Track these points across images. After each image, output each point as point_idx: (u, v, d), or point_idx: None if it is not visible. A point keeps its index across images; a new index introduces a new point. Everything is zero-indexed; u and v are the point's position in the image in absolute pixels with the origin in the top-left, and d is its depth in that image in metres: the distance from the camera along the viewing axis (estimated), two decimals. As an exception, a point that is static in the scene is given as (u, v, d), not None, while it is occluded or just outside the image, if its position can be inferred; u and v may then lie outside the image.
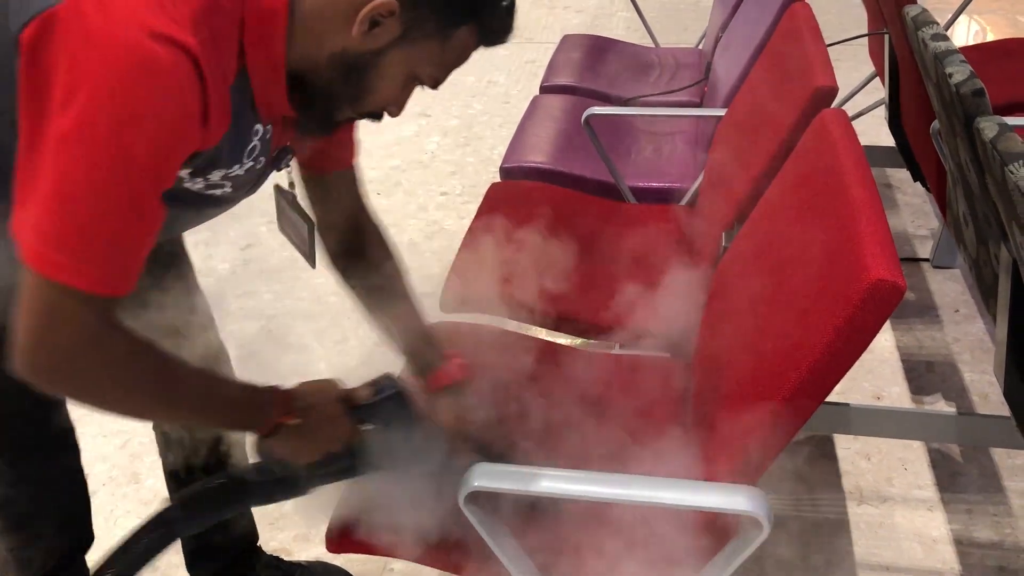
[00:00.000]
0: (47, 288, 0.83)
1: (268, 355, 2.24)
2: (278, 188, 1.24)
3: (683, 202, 2.09)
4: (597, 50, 2.92)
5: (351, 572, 1.63)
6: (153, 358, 0.93)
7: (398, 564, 1.64)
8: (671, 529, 1.10)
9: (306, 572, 1.62)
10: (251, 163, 1.01)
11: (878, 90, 2.57)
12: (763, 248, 1.28)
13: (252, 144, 0.99)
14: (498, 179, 2.18)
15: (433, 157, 3.24)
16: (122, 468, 1.94)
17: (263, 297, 2.45)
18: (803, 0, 1.88)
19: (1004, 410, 1.51)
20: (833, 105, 3.13)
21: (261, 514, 1.62)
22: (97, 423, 1.99)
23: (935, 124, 1.81)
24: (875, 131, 3.24)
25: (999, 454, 1.87)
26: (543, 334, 1.87)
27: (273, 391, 1.04)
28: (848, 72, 3.78)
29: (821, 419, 1.71)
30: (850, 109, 3.13)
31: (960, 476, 1.83)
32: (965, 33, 4.48)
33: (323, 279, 2.56)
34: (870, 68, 2.78)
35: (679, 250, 1.78)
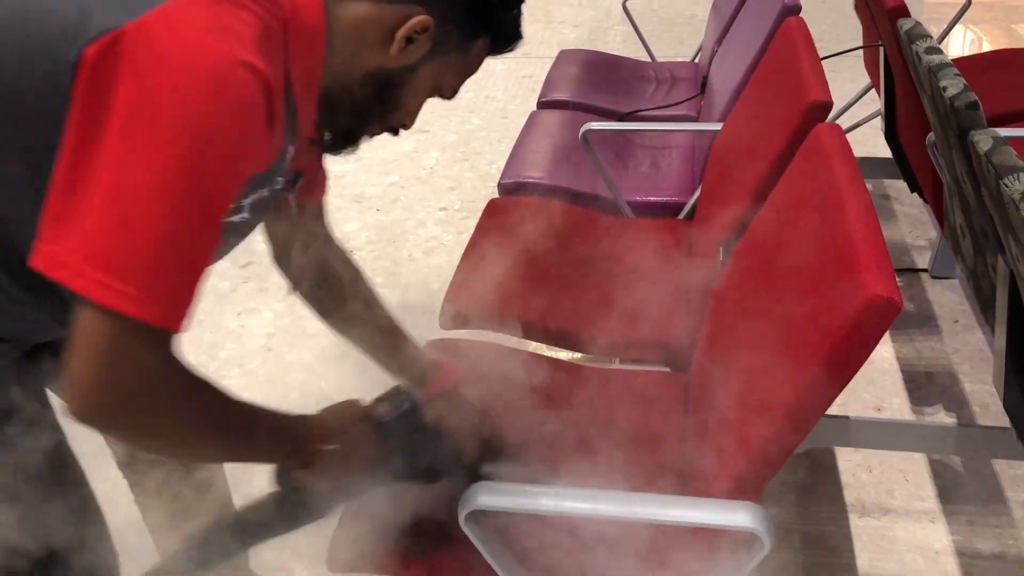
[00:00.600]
0: (111, 321, 0.78)
1: (269, 373, 2.25)
2: None
3: (681, 215, 2.09)
4: (594, 65, 2.93)
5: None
6: (209, 394, 0.89)
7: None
8: (672, 545, 1.10)
9: None
10: (276, 186, 1.01)
11: (875, 101, 2.58)
12: (760, 263, 1.28)
13: (283, 165, 0.99)
14: (496, 194, 2.19)
15: (432, 173, 3.25)
16: None
17: (263, 315, 2.45)
18: (797, 15, 1.89)
19: (1005, 420, 1.51)
20: (830, 116, 3.15)
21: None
22: None
23: (931, 136, 1.82)
24: (873, 142, 3.25)
25: (1001, 465, 1.87)
26: (543, 349, 1.88)
27: (309, 419, 1.03)
28: (844, 83, 3.80)
29: (821, 432, 1.71)
30: (847, 120, 3.14)
31: (962, 487, 1.83)
32: (961, 43, 4.50)
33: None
34: (867, 79, 2.79)
35: (677, 264, 1.79)
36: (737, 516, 0.98)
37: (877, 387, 2.10)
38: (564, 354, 1.98)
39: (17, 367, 0.99)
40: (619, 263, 1.84)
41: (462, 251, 1.88)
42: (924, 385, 2.11)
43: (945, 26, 3.00)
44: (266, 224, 1.21)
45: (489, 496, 1.04)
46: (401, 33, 0.93)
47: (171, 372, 0.84)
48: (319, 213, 1.25)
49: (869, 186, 3.02)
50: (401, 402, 1.10)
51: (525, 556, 1.12)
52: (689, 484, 1.25)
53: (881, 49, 2.30)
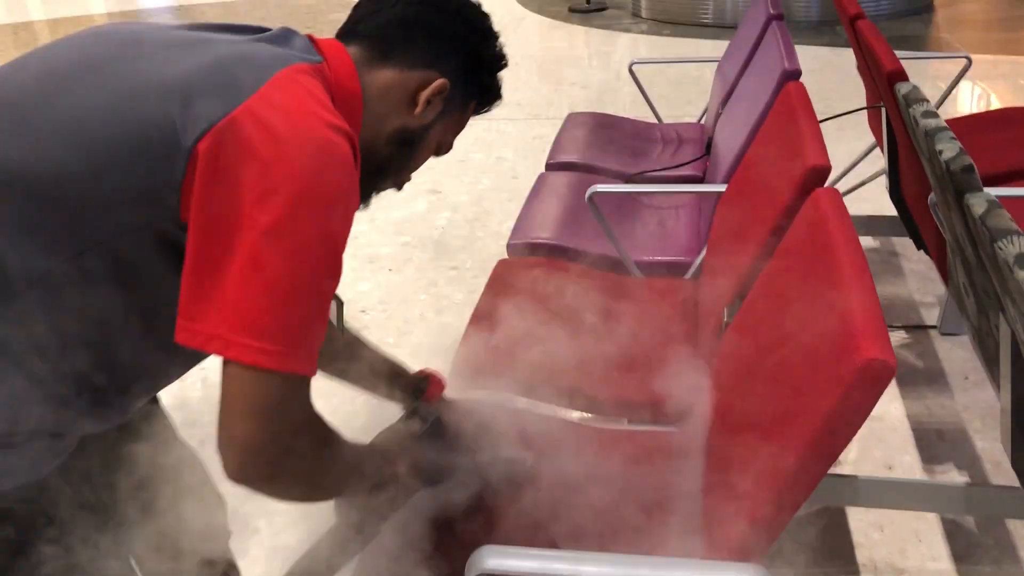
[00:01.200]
0: (272, 381, 0.85)
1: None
2: None
3: (688, 275, 2.12)
4: (601, 127, 2.99)
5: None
6: (334, 437, 0.98)
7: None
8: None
9: None
10: None
11: (881, 159, 2.61)
12: (761, 325, 1.30)
13: None
14: (506, 255, 2.23)
15: (443, 232, 3.30)
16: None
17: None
18: (798, 80, 1.94)
19: (1017, 479, 1.51)
20: (837, 175, 3.18)
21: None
22: None
23: (932, 196, 1.85)
24: (880, 199, 3.28)
25: (1015, 525, 1.86)
26: (552, 409, 1.89)
27: (387, 451, 1.15)
28: (851, 141, 3.85)
29: (831, 491, 1.70)
30: (854, 178, 3.18)
31: (976, 548, 1.81)
32: (969, 100, 4.56)
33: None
34: (873, 138, 2.84)
35: (684, 325, 1.81)
36: (741, 579, 0.99)
37: (887, 445, 2.10)
38: (574, 414, 1.99)
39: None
40: (627, 324, 1.86)
41: (472, 310, 1.90)
42: (935, 443, 2.10)
43: (947, 85, 3.05)
44: None
45: (497, 559, 1.05)
46: (425, 95, 1.03)
47: (317, 418, 0.93)
48: None
49: (876, 243, 3.05)
50: (426, 415, 1.22)
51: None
52: (696, 546, 1.25)
53: (883, 110, 2.34)
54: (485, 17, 1.10)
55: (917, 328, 2.54)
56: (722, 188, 2.02)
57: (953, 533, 1.84)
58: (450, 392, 1.71)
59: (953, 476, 2.00)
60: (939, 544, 1.82)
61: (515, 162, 3.94)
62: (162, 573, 1.09)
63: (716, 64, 3.14)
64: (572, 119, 3.06)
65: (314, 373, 0.89)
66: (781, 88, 1.93)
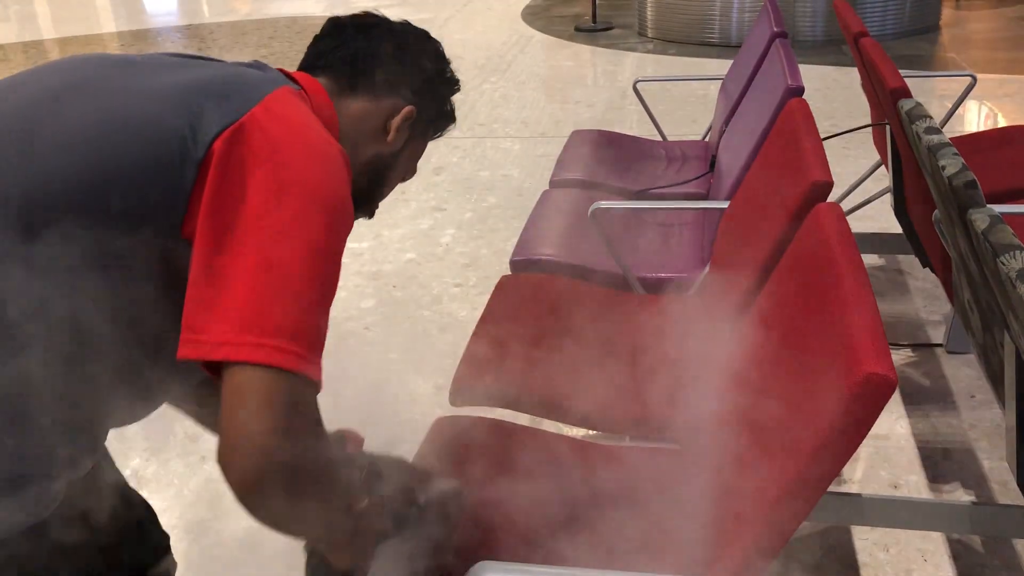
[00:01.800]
0: (288, 379, 0.81)
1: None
2: None
3: (691, 292, 2.11)
4: (605, 144, 3.00)
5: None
6: (338, 459, 0.93)
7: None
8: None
9: None
10: None
11: (887, 177, 2.61)
12: (762, 341, 1.29)
13: None
14: (509, 272, 2.22)
15: (447, 250, 3.30)
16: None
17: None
18: (800, 97, 1.94)
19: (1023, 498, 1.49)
20: (842, 193, 3.17)
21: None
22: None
23: (936, 213, 1.84)
24: (886, 217, 3.28)
25: (1022, 544, 1.83)
26: (553, 427, 1.88)
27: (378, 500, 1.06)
28: (857, 159, 3.86)
29: (836, 510, 1.69)
30: (860, 195, 3.18)
31: (982, 568, 1.79)
32: (976, 118, 4.55)
33: (338, 373, 2.58)
34: (879, 155, 2.83)
35: (686, 341, 1.80)
36: (740, 597, 0.97)
37: (893, 464, 2.08)
38: (575, 431, 1.98)
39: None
40: (629, 340, 1.86)
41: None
42: (941, 462, 2.08)
43: (952, 103, 3.05)
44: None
45: (494, 574, 1.04)
46: (395, 122, 1.08)
47: (325, 434, 0.87)
48: None
49: (882, 261, 3.04)
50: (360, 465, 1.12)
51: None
52: (695, 565, 1.24)
53: (887, 127, 2.34)
54: (437, 43, 1.16)
55: (923, 346, 2.53)
56: (724, 204, 2.02)
57: (959, 553, 1.82)
58: (451, 410, 1.70)
59: (959, 495, 1.98)
60: (945, 564, 1.80)
61: (521, 180, 3.94)
62: None
63: (720, 82, 3.15)
64: (577, 136, 3.06)
65: (320, 385, 0.86)
66: (784, 105, 1.93)
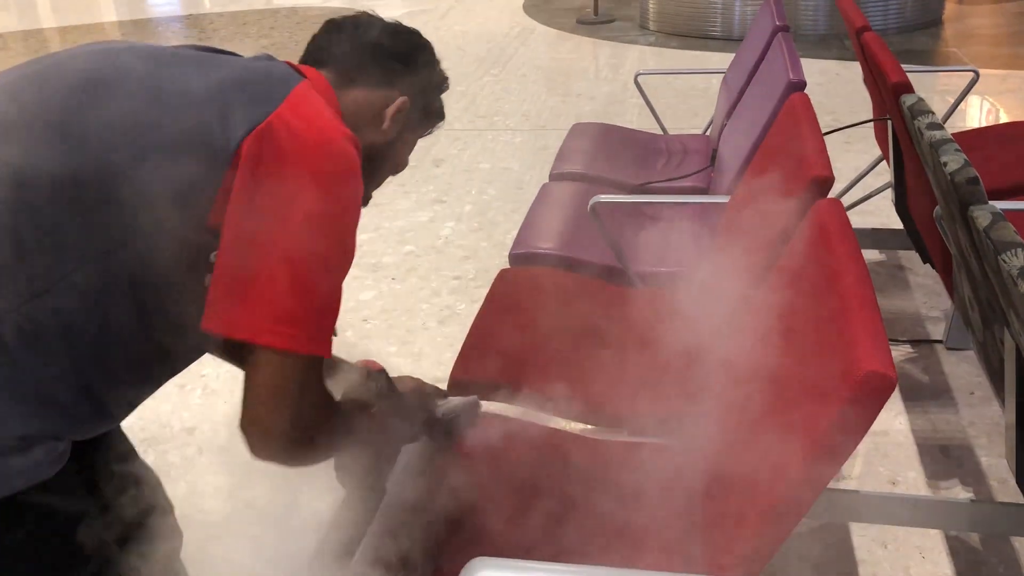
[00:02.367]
0: (298, 362, 0.94)
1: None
2: None
3: (690, 287, 2.10)
4: (606, 138, 2.99)
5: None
6: (337, 405, 1.06)
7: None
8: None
9: None
10: None
11: (888, 172, 2.60)
12: (761, 337, 1.28)
13: None
14: (508, 265, 2.21)
15: (447, 242, 3.29)
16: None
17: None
18: (802, 91, 1.93)
19: (1022, 496, 1.49)
20: (844, 188, 3.16)
21: None
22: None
23: (938, 209, 1.83)
24: (887, 212, 3.27)
25: (1020, 542, 1.83)
26: (550, 420, 1.87)
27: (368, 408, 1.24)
28: (859, 155, 3.84)
29: (834, 507, 1.68)
30: (861, 190, 3.16)
31: (981, 566, 1.79)
32: (978, 115, 4.54)
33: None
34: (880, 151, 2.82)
35: (684, 337, 1.79)
36: (737, 594, 0.97)
37: (892, 461, 2.07)
38: (575, 425, 1.97)
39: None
40: (627, 334, 1.85)
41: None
42: (940, 459, 2.08)
43: (955, 98, 3.03)
44: None
45: (489, 571, 1.03)
46: (390, 111, 1.14)
47: (327, 392, 1.01)
48: None
49: (883, 257, 3.03)
50: (377, 379, 1.30)
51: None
52: (693, 560, 1.23)
53: (889, 122, 2.33)
54: (428, 43, 1.22)
55: (923, 343, 2.52)
56: (725, 199, 2.01)
57: (957, 550, 1.82)
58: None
59: (958, 492, 1.98)
60: (943, 561, 1.80)
61: (521, 173, 3.93)
62: None
63: (722, 75, 3.14)
64: (577, 129, 3.05)
65: (330, 353, 0.99)
66: (786, 99, 1.92)
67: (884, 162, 2.82)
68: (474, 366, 1.73)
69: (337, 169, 0.96)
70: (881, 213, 3.28)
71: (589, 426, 1.97)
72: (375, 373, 1.29)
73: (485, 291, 2.72)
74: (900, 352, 2.49)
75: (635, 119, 4.53)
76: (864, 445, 2.13)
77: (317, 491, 1.25)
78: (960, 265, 1.72)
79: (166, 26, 7.47)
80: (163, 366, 1.05)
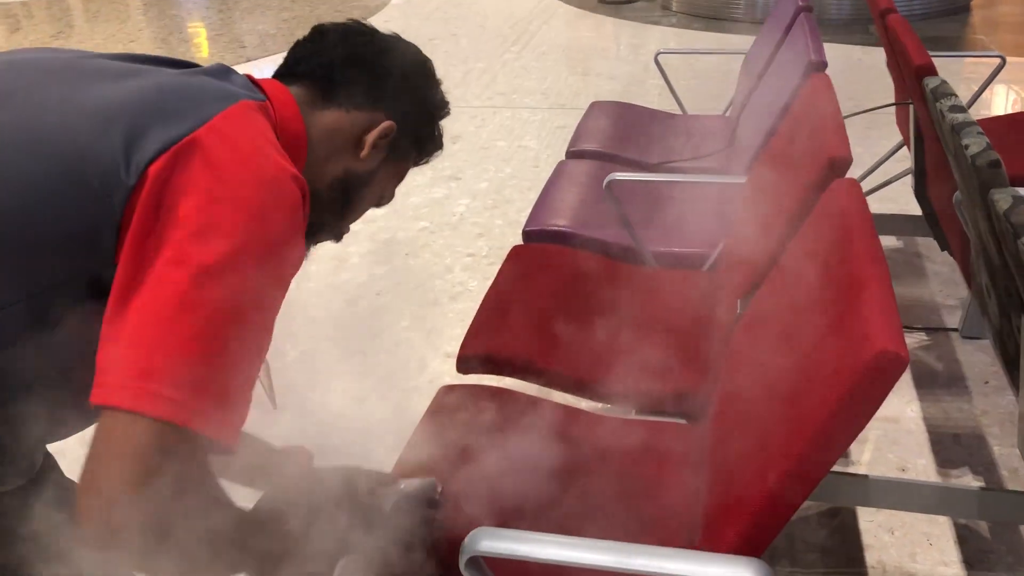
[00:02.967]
0: (157, 431, 0.74)
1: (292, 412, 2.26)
2: None
3: (705, 267, 2.09)
4: (624, 117, 2.96)
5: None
6: (224, 512, 0.84)
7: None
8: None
9: None
10: None
11: (909, 158, 2.56)
12: (774, 316, 1.27)
13: None
14: (522, 241, 2.21)
15: (461, 219, 3.29)
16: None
17: (289, 355, 2.48)
18: (823, 72, 1.90)
19: (1031, 486, 1.48)
20: (863, 173, 3.13)
21: None
22: None
23: (957, 194, 1.81)
24: (906, 199, 3.23)
25: (1030, 531, 1.82)
26: (559, 397, 1.87)
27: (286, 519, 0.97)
28: (879, 140, 3.80)
29: (842, 491, 1.68)
30: (881, 176, 3.13)
31: (988, 554, 1.77)
32: (1003, 102, 4.47)
33: (349, 338, 2.58)
34: (901, 136, 2.78)
35: (697, 316, 1.78)
36: (738, 571, 0.96)
37: (902, 447, 2.06)
38: (583, 403, 1.97)
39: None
40: (639, 313, 1.84)
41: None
42: (951, 447, 2.06)
43: (979, 85, 2.99)
44: None
45: (490, 541, 1.04)
46: (371, 137, 1.00)
47: (205, 490, 0.80)
48: None
49: (900, 243, 3.00)
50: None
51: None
52: (696, 538, 1.23)
53: (911, 107, 2.30)
54: (428, 62, 1.08)
55: (938, 330, 2.50)
56: (741, 180, 1.99)
57: (965, 538, 1.81)
58: (458, 378, 1.70)
59: (968, 481, 1.96)
60: (951, 549, 1.79)
61: (538, 151, 3.91)
62: None
63: (743, 57, 3.10)
64: (595, 108, 3.03)
65: (230, 440, 0.78)
66: (806, 79, 1.90)
67: (904, 148, 2.78)
68: (484, 342, 1.73)
69: (266, 204, 0.79)
70: (900, 200, 3.24)
71: (597, 404, 1.97)
72: (302, 473, 1.10)
73: (498, 268, 2.72)
74: (915, 340, 2.47)
75: (655, 100, 4.49)
76: (874, 431, 2.12)
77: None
78: (978, 251, 1.70)
79: (187, -2, 7.46)
80: (80, 418, 0.89)
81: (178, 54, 5.51)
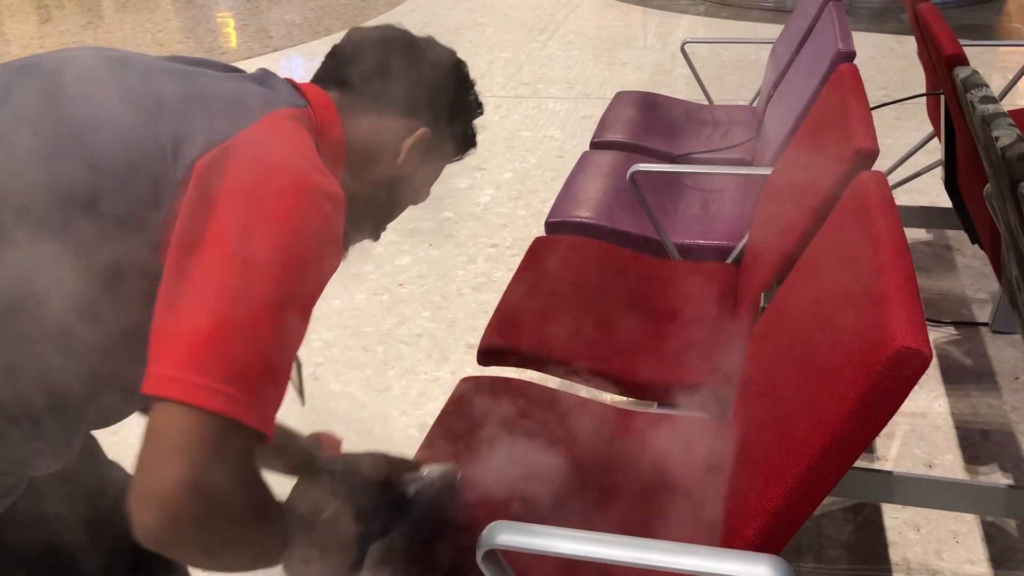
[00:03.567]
0: (210, 424, 0.76)
1: (314, 402, 2.28)
2: None
3: (730, 260, 2.07)
4: (650, 107, 2.94)
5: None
6: (273, 510, 0.87)
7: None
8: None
9: None
10: None
11: (940, 149, 2.52)
12: (796, 309, 1.26)
13: None
14: (545, 232, 2.20)
15: (485, 209, 3.28)
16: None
17: (314, 345, 2.49)
18: (851, 62, 1.87)
19: (1059, 484, 1.45)
20: (892, 164, 3.08)
21: None
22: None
23: (988, 187, 1.77)
24: (936, 191, 3.18)
25: (1059, 530, 1.79)
26: (580, 390, 1.86)
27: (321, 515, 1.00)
28: (910, 131, 3.74)
29: (867, 487, 1.66)
30: (910, 168, 3.08)
31: (1016, 552, 1.75)
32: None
33: (371, 328, 2.59)
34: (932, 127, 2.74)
35: (720, 309, 1.76)
36: (758, 568, 0.95)
37: (929, 443, 2.03)
38: (603, 396, 1.96)
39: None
40: (661, 306, 1.83)
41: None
42: (979, 443, 2.03)
43: (1014, 75, 2.93)
44: None
45: (508, 535, 1.03)
46: (408, 144, 1.02)
47: (257, 480, 0.82)
48: None
49: (930, 236, 2.95)
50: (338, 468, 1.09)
51: None
52: (716, 534, 1.22)
53: (942, 97, 2.26)
54: (462, 64, 1.10)
55: (967, 324, 2.46)
56: (767, 171, 1.97)
57: (993, 536, 1.78)
58: (479, 370, 1.69)
59: (996, 478, 1.93)
60: (977, 547, 1.76)
61: (562, 141, 3.89)
62: None
63: (771, 46, 3.06)
64: (620, 98, 3.01)
65: (268, 431, 0.81)
66: (834, 69, 1.87)
67: (935, 140, 2.73)
68: (505, 334, 1.72)
69: (305, 206, 0.82)
70: (931, 192, 3.19)
71: (619, 397, 1.96)
72: (331, 459, 1.11)
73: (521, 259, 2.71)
74: (944, 334, 2.43)
75: (682, 89, 4.45)
76: (901, 427, 2.09)
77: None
78: (1009, 245, 1.66)
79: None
80: (124, 405, 0.93)
81: (205, 44, 5.55)
